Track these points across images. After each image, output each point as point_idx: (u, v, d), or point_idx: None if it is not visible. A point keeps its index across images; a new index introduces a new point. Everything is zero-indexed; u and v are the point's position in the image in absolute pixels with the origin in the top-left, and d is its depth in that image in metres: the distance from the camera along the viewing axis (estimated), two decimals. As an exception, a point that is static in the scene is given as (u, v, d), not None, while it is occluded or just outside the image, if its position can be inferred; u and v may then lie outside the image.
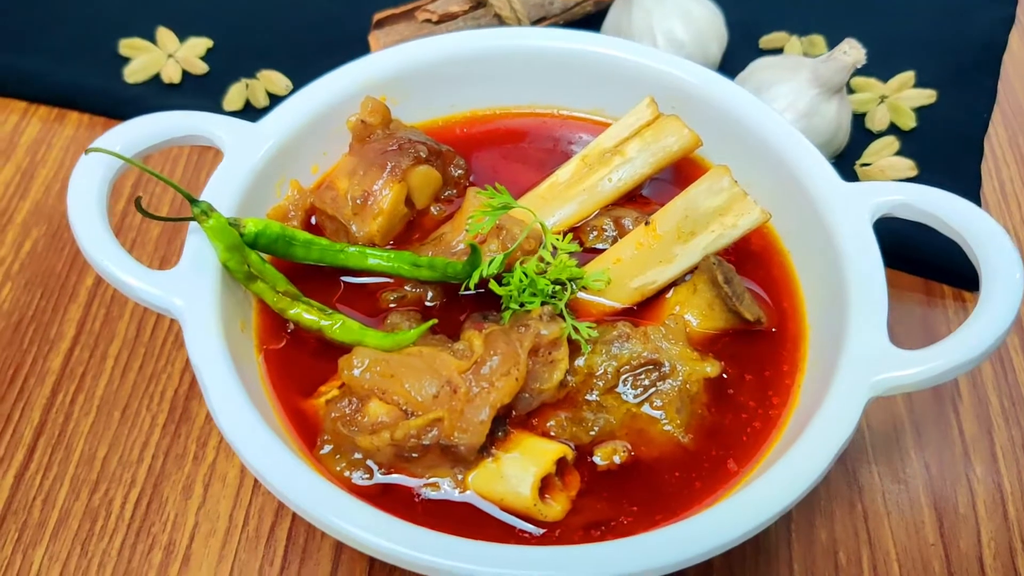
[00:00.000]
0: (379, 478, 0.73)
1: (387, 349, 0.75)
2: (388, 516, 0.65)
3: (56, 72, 1.14)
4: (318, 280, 0.83)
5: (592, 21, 1.16)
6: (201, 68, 1.16)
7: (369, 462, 0.73)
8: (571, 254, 0.81)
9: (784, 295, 0.83)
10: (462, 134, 0.94)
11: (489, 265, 0.77)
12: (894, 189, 0.79)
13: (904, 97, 1.12)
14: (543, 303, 0.77)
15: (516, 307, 0.77)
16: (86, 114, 1.14)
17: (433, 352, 0.74)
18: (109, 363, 0.94)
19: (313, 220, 0.87)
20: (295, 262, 0.81)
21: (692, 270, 0.82)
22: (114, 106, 1.11)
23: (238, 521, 0.84)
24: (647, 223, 0.81)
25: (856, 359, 0.72)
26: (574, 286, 0.81)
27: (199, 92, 1.13)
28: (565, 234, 0.84)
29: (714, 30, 1.11)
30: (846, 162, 1.07)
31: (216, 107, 1.11)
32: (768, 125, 0.86)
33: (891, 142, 1.08)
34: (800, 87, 1.00)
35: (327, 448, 0.74)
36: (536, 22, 1.15)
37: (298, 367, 0.79)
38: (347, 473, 0.73)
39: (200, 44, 1.18)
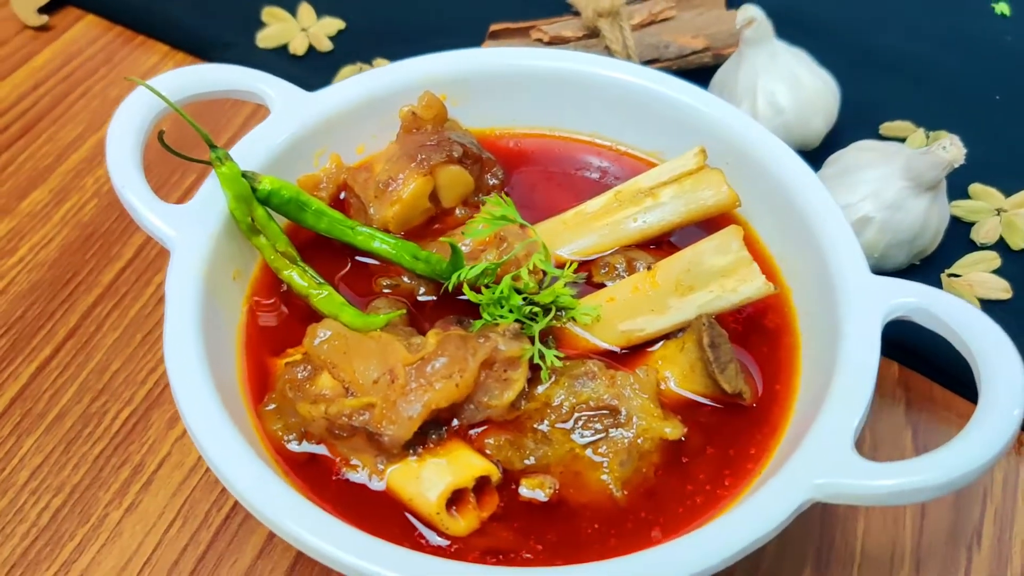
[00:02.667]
0: (307, 447, 0.74)
1: (354, 328, 0.76)
2: (275, 476, 0.66)
3: (201, 24, 1.24)
4: (328, 252, 0.85)
5: (706, 73, 1.13)
6: (326, 46, 1.22)
7: (303, 429, 0.74)
8: (570, 284, 0.79)
9: (780, 377, 0.77)
10: (514, 147, 0.94)
11: (470, 270, 0.76)
12: (910, 290, 0.72)
13: (1023, 215, 1.02)
14: (517, 321, 0.76)
15: (488, 318, 0.76)
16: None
17: (389, 339, 0.74)
18: (150, 289, 1.00)
19: (342, 196, 0.89)
20: (304, 228, 0.83)
21: (686, 327, 0.77)
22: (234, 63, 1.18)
23: (205, 463, 0.87)
24: (649, 268, 0.78)
25: (808, 456, 0.65)
26: (562, 315, 0.78)
27: (315, 68, 1.19)
28: (572, 263, 0.82)
29: (822, 103, 1.05)
30: (932, 269, 0.99)
31: (325, 84, 1.16)
32: (811, 201, 0.80)
33: (991, 257, 0.99)
34: (889, 176, 0.93)
35: (271, 406, 0.75)
36: (647, 63, 1.13)
37: (279, 326, 0.81)
38: (281, 434, 0.74)
39: (333, 24, 1.24)
